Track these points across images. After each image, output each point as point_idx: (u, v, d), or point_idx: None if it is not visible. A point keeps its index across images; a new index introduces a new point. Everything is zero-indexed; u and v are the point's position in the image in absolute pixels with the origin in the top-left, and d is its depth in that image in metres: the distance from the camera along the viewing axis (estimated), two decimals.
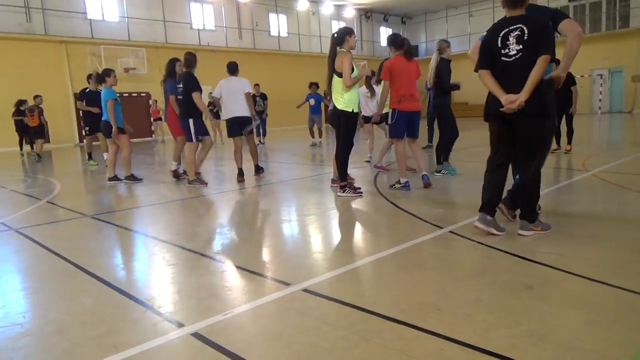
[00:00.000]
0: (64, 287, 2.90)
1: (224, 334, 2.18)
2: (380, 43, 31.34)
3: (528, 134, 3.35)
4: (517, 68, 3.24)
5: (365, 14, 30.62)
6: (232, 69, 6.82)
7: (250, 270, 3.07)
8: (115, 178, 7.31)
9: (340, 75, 5.13)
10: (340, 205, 5.02)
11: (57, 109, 18.19)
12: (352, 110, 5.21)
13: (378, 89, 7.28)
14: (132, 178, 7.30)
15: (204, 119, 6.72)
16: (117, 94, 7.21)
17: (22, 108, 13.59)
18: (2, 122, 16.89)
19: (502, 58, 3.31)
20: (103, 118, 7.24)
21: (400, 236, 3.70)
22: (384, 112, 6.02)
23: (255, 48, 24.49)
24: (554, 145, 7.46)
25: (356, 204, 5.04)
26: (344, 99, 5.18)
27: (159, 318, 2.38)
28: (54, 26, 18.65)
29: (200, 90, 6.48)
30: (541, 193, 3.60)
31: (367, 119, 7.85)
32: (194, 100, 6.36)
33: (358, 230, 4.21)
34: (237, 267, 3.16)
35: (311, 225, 4.31)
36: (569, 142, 8.32)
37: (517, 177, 3.77)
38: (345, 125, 5.28)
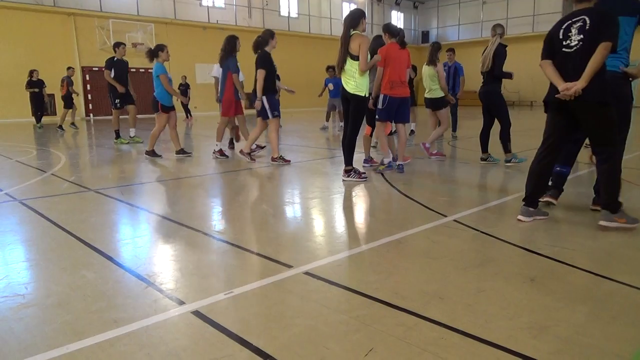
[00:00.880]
0: (66, 260, 2.91)
1: (224, 313, 2.18)
2: None
3: (590, 122, 3.34)
4: (577, 57, 3.22)
5: None
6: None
7: (253, 251, 3.07)
8: (152, 153, 7.37)
9: (354, 58, 5.06)
10: (345, 189, 5.00)
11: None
12: (364, 94, 5.18)
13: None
14: (152, 154, 7.36)
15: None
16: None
17: (33, 79, 13.44)
18: (11, 93, 16.93)
19: (563, 49, 3.31)
20: (155, 93, 7.23)
21: (404, 223, 3.68)
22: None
23: (265, 27, 24.28)
24: None
25: (361, 189, 5.02)
26: (356, 82, 5.12)
27: (159, 295, 2.38)
28: None
29: (267, 69, 6.35)
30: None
31: None
32: (257, 77, 6.31)
33: (362, 215, 4.20)
34: (240, 247, 3.16)
35: (315, 208, 4.30)
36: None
37: (557, 168, 3.85)
38: (355, 109, 5.23)
